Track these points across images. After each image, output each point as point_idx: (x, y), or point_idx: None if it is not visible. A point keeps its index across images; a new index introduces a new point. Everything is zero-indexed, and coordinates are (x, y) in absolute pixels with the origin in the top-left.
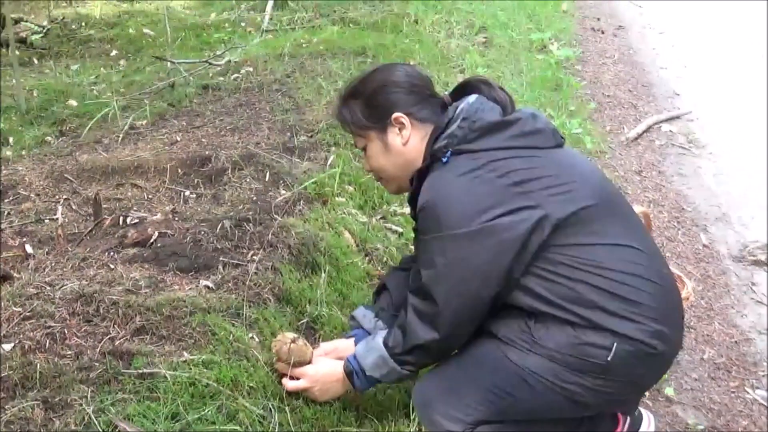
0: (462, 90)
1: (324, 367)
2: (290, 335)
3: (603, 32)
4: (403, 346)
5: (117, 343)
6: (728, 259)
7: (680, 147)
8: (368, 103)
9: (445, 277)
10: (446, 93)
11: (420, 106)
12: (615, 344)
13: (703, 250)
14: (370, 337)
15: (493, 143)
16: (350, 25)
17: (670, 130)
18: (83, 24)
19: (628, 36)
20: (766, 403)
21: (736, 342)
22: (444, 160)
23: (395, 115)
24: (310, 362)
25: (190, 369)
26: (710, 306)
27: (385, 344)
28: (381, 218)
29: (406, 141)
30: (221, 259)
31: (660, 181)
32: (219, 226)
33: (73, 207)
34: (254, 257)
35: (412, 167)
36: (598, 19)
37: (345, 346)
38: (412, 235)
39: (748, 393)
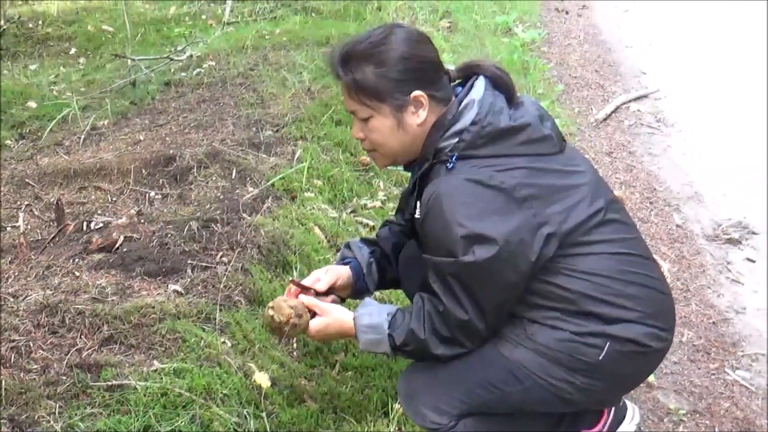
0: (467, 68)
1: (333, 324)
2: (277, 318)
3: (567, 12)
4: (410, 350)
5: (84, 354)
6: (702, 238)
7: (649, 126)
8: (387, 73)
9: (463, 303)
10: (451, 68)
11: (438, 85)
12: (607, 344)
13: (676, 230)
14: (374, 311)
15: (500, 150)
16: (312, 14)
17: (639, 110)
18: (40, 22)
19: (593, 15)
20: (747, 384)
21: (714, 323)
22: (449, 166)
23: (417, 93)
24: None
25: (161, 378)
26: (686, 287)
27: (391, 336)
28: (351, 212)
29: (423, 122)
30: (189, 262)
31: (631, 162)
32: (186, 228)
33: (36, 213)
34: (223, 259)
35: (415, 147)
36: None
37: (344, 273)
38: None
39: (728, 374)
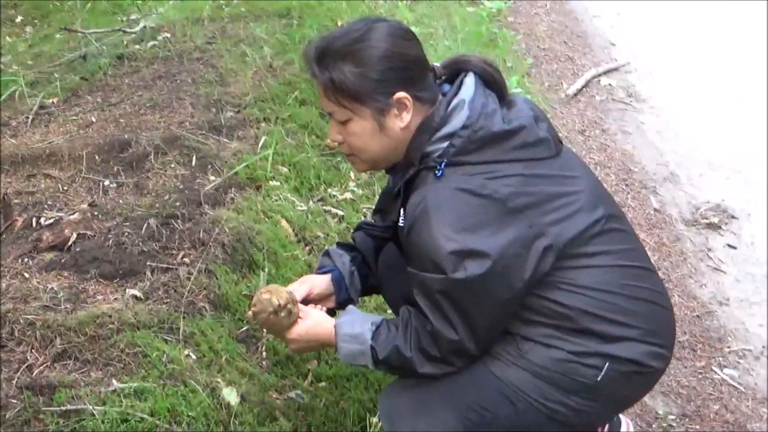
0: (454, 64)
1: (315, 327)
2: (275, 301)
3: None
4: (393, 366)
5: (36, 372)
6: (681, 223)
7: (621, 102)
8: (367, 74)
9: (452, 323)
10: (437, 64)
11: (423, 85)
12: (606, 364)
13: (654, 215)
14: (357, 320)
15: (492, 155)
16: None
17: (610, 84)
18: None
19: None
20: (735, 384)
21: (698, 316)
22: (438, 173)
23: (400, 95)
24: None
25: (121, 401)
26: (668, 277)
27: (373, 348)
28: (319, 200)
29: (407, 125)
30: (149, 263)
31: (604, 141)
32: (144, 226)
33: None
34: (185, 259)
35: (398, 151)
36: None
37: (321, 283)
38: (360, 218)
39: (716, 373)
